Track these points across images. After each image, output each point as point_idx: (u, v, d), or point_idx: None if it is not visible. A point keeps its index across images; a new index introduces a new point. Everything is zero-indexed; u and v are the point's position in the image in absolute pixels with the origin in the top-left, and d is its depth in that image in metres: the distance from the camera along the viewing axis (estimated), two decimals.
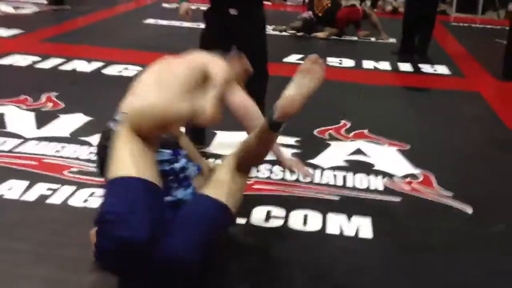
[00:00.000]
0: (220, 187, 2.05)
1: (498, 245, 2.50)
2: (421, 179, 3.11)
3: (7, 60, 5.06)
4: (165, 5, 8.99)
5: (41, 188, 2.72)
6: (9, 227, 2.39)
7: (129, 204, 1.75)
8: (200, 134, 3.32)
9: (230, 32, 3.19)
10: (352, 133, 3.74)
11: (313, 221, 2.59)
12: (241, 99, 2.48)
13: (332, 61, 5.82)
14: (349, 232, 2.52)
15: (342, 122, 3.92)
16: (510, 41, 5.46)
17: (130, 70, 4.93)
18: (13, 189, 2.70)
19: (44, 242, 2.28)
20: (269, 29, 6.74)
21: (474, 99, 4.76)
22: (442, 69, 5.74)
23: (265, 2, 3.64)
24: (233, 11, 3.19)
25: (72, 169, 2.95)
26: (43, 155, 3.10)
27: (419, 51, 6.27)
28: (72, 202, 2.62)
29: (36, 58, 5.13)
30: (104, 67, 5.00)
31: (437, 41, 7.34)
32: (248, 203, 2.69)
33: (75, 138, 3.37)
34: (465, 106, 4.58)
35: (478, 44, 7.24)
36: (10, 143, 3.23)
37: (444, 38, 7.66)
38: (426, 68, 5.78)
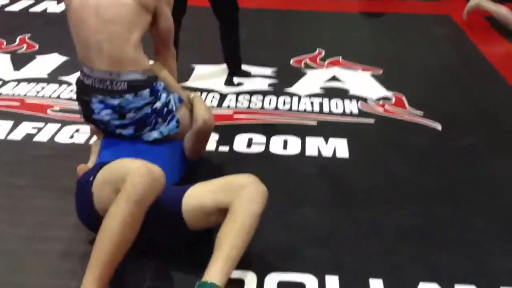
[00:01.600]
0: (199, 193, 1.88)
1: (466, 157, 2.67)
2: (393, 100, 3.24)
3: None
4: None
5: (26, 127, 2.79)
6: (2, 165, 2.48)
7: None
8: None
9: None
10: (327, 61, 3.83)
11: (292, 145, 2.72)
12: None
13: None
14: (327, 153, 2.66)
15: (317, 50, 4.00)
16: None
17: None
18: None
19: (39, 176, 2.38)
20: None
21: (445, 21, 4.85)
22: None
23: None
24: None
25: (55, 108, 3.00)
26: (24, 95, 3.14)
27: None
28: (59, 138, 2.70)
29: (5, 1, 5.02)
30: None
31: None
32: (230, 131, 2.81)
33: (54, 78, 3.40)
34: (436, 29, 4.67)
35: None
36: None
37: None
38: None
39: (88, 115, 2.20)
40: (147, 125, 2.19)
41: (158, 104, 2.18)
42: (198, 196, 1.83)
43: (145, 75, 2.15)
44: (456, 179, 2.49)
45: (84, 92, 2.17)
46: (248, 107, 3.12)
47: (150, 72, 2.20)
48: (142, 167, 1.70)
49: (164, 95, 2.22)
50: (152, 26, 2.26)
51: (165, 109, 2.22)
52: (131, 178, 1.66)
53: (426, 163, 2.62)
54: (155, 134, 2.21)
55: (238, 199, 1.74)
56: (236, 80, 3.47)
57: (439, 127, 2.94)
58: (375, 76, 3.59)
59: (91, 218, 1.86)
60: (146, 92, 2.14)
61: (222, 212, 1.76)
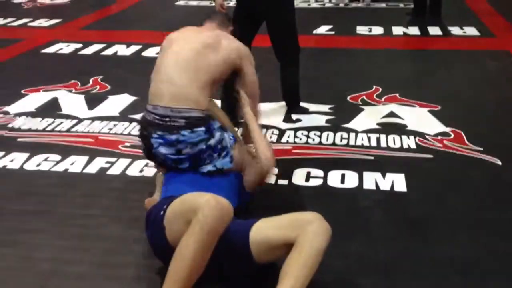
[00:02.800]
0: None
1: None
2: (452, 136, 3.26)
3: (52, 49, 5.35)
4: None
5: (100, 162, 3.00)
6: (79, 197, 2.68)
7: None
8: (232, 109, 3.30)
9: (257, 10, 3.38)
10: (384, 97, 3.90)
11: (350, 179, 2.79)
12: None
13: (362, 29, 5.93)
14: (385, 187, 2.71)
15: (374, 87, 4.08)
16: None
17: None
18: (75, 163, 2.99)
19: (111, 207, 2.57)
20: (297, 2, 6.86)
21: (504, 58, 4.82)
22: (471, 31, 5.78)
23: None
24: None
25: (126, 144, 3.22)
26: (98, 132, 3.39)
27: (433, 11, 6.34)
28: (129, 172, 2.89)
29: (79, 45, 5.41)
30: (142, 49, 5.25)
31: (465, 3, 7.32)
32: (289, 166, 2.92)
33: (124, 116, 3.64)
34: (493, 64, 4.65)
35: (508, 3, 7.18)
36: (66, 123, 3.52)
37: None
38: (455, 30, 5.83)
39: (148, 150, 2.37)
40: (201, 160, 2.33)
41: (212, 141, 2.32)
42: (265, 230, 1.93)
43: (203, 113, 2.32)
44: None
45: (145, 128, 2.36)
46: (306, 142, 3.22)
47: (208, 111, 2.36)
48: (211, 200, 1.82)
49: (218, 133, 2.36)
50: (238, 78, 2.55)
51: (219, 145, 2.37)
52: (202, 210, 1.79)
53: (484, 197, 2.62)
54: (209, 167, 2.35)
55: (304, 234, 1.83)
56: (294, 116, 3.59)
57: (498, 162, 2.94)
58: (433, 112, 3.62)
59: (165, 251, 1.97)
60: (202, 129, 2.30)
61: (288, 246, 1.86)
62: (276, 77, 3.63)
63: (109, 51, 5.23)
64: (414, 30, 5.89)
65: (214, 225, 1.79)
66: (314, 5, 7.34)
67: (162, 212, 2.00)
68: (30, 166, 2.97)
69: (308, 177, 2.82)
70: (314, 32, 5.86)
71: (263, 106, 3.74)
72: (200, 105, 2.32)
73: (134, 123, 3.51)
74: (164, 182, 2.37)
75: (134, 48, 5.29)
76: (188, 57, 2.38)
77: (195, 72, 2.35)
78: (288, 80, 3.60)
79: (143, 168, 2.91)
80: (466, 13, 6.66)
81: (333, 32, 5.88)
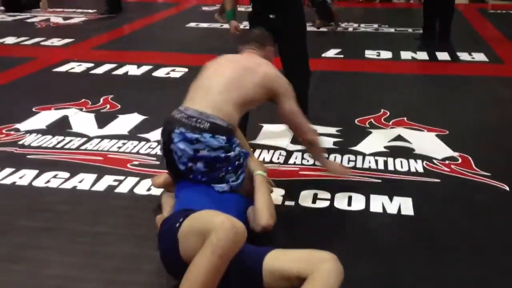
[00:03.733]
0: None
1: None
2: (459, 161, 3.26)
3: (64, 68, 5.43)
4: (204, 8, 9.29)
5: (108, 180, 3.02)
6: (87, 214, 2.70)
7: None
8: (244, 126, 3.39)
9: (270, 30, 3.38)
10: (392, 121, 3.91)
11: (357, 201, 2.79)
12: None
13: (370, 53, 5.98)
14: (392, 210, 2.71)
15: (382, 111, 4.09)
16: None
17: (177, 72, 5.23)
18: (84, 181, 3.01)
19: (119, 225, 2.58)
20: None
21: (511, 84, 4.84)
22: (480, 57, 5.81)
23: None
24: (272, 16, 3.45)
25: (134, 162, 3.24)
26: (107, 151, 3.42)
27: (441, 36, 6.38)
28: (138, 190, 2.91)
29: (90, 65, 5.48)
30: (153, 70, 5.31)
31: (474, 29, 7.38)
32: (296, 187, 2.92)
33: (134, 135, 3.67)
34: (503, 90, 4.67)
35: None
36: (76, 141, 3.56)
37: (482, 25, 7.68)
38: (464, 56, 5.86)
39: (166, 145, 2.41)
40: (216, 170, 2.36)
41: (231, 154, 2.37)
42: (281, 260, 1.95)
43: (228, 125, 2.40)
44: None
45: (169, 123, 2.43)
46: (313, 164, 3.23)
47: (233, 127, 2.45)
48: (226, 222, 1.84)
49: (238, 149, 2.43)
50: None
51: (237, 162, 2.40)
52: (216, 233, 1.81)
53: (492, 222, 2.61)
54: (225, 187, 2.37)
55: (319, 271, 1.85)
56: None
57: (506, 188, 2.93)
58: (441, 137, 3.63)
59: (176, 264, 1.99)
60: (223, 138, 2.37)
61: (300, 279, 1.88)
62: None
63: (120, 71, 5.30)
64: (422, 55, 5.93)
65: (226, 249, 1.80)
66: (323, 29, 7.40)
67: (177, 225, 2.01)
68: (39, 183, 3.00)
69: (315, 198, 2.82)
70: (323, 55, 5.92)
71: (270, 128, 3.79)
72: (229, 119, 2.42)
73: (143, 142, 3.55)
74: (177, 193, 2.39)
75: (144, 69, 5.35)
76: (230, 75, 2.52)
77: (233, 90, 2.47)
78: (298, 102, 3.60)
79: (151, 187, 2.92)
80: (475, 39, 6.71)
81: (342, 56, 5.93)
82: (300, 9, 3.62)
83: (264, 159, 3.30)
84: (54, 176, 3.06)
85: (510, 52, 6.08)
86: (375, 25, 7.59)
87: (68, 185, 2.97)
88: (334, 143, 3.54)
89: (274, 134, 3.70)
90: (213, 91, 2.46)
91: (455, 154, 3.35)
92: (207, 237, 1.82)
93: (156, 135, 3.64)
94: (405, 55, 5.94)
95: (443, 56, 5.87)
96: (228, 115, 2.42)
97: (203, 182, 2.37)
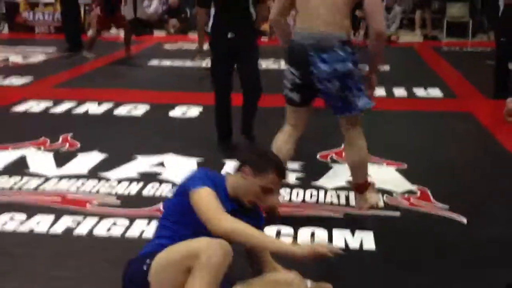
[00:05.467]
0: None
1: (490, 252, 2.69)
2: (418, 194, 3.33)
3: (22, 107, 5.33)
4: (166, 46, 9.34)
5: (67, 221, 2.95)
6: (45, 257, 2.61)
7: None
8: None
9: (230, 52, 3.93)
10: None
11: (319, 237, 2.79)
12: None
13: None
14: (354, 245, 2.73)
15: (343, 145, 4.15)
16: (497, 61, 5.75)
17: (138, 109, 5.20)
18: (41, 223, 2.93)
19: (79, 268, 2.50)
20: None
21: (466, 118, 5.01)
22: (435, 92, 6.01)
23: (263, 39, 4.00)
24: (230, 35, 3.88)
25: (94, 202, 3.18)
26: (65, 191, 3.34)
27: None
28: (97, 231, 2.85)
29: (49, 103, 5.40)
30: (114, 107, 5.27)
31: (429, 65, 7.64)
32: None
33: (93, 174, 3.61)
34: (457, 124, 4.83)
35: (469, 66, 7.52)
36: (33, 182, 3.47)
37: (436, 62, 7.97)
38: (419, 92, 6.05)
39: (306, 70, 2.80)
40: (348, 89, 2.81)
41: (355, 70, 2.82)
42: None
43: (347, 36, 2.80)
44: (477, 274, 2.51)
45: (301, 51, 2.79)
46: (289, 200, 3.23)
47: (350, 33, 2.85)
48: (213, 242, 1.84)
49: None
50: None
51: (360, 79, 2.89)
52: (206, 253, 1.80)
53: (451, 255, 2.65)
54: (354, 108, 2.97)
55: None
56: None
57: (464, 220, 3.00)
58: (400, 170, 3.70)
59: None
60: (348, 47, 2.78)
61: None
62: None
63: (80, 109, 5.24)
64: (380, 91, 6.06)
65: (220, 268, 1.81)
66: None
67: (145, 267, 1.96)
68: None
69: (278, 235, 2.82)
70: None
71: (232, 164, 3.77)
72: (345, 29, 2.79)
73: (103, 181, 3.49)
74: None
75: (105, 106, 5.31)
76: None
77: (336, 5, 2.77)
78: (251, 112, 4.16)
79: (111, 227, 2.87)
80: (430, 75, 6.94)
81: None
82: (254, 31, 4.09)
83: None
84: (10, 218, 2.97)
85: (463, 87, 6.31)
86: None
87: (25, 227, 2.89)
88: (297, 178, 3.56)
89: None
90: (324, 13, 2.75)
91: (414, 187, 3.42)
92: (195, 263, 1.80)
93: (116, 173, 3.61)
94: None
95: (399, 92, 6.04)
96: (344, 27, 2.77)
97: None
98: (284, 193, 3.32)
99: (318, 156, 3.97)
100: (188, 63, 7.35)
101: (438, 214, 3.07)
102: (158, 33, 10.61)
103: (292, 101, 2.99)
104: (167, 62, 7.82)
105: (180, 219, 2.06)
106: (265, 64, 6.86)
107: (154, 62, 7.82)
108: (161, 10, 11.05)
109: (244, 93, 4.11)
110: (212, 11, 3.97)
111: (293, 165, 3.76)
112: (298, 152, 3.99)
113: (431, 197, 3.28)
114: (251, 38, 4.04)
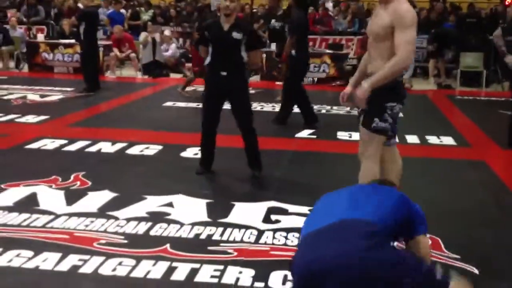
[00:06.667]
0: None
1: None
2: (430, 243, 3.25)
3: (36, 144, 5.39)
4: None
5: (73, 259, 2.93)
6: None
7: None
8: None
9: (221, 88, 4.29)
10: None
11: None
12: None
13: (342, 135, 6.11)
14: None
15: None
16: None
17: (151, 149, 5.24)
18: (47, 260, 2.92)
19: None
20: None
21: (480, 167, 4.96)
22: (448, 140, 5.98)
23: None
24: (223, 73, 4.24)
25: (101, 241, 3.17)
26: (73, 229, 3.34)
27: None
28: (102, 271, 2.82)
29: (64, 141, 5.47)
30: (127, 147, 5.32)
31: (443, 114, 7.64)
32: (266, 268, 2.88)
33: (102, 213, 3.61)
34: (470, 173, 4.78)
35: (483, 115, 7.51)
36: (43, 219, 3.48)
37: (450, 111, 7.96)
38: (432, 139, 6.02)
39: None
40: None
41: None
42: None
43: None
44: None
45: None
46: (285, 244, 3.20)
47: None
48: None
49: None
50: None
51: None
52: None
53: None
54: None
55: None
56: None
57: (476, 271, 2.93)
58: None
59: None
60: None
61: None
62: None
63: (93, 148, 5.29)
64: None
65: None
66: (296, 110, 7.57)
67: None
68: (1, 261, 2.89)
69: (285, 280, 2.77)
70: (296, 135, 6.03)
71: (242, 206, 3.77)
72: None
73: (112, 220, 3.48)
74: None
75: (118, 146, 5.36)
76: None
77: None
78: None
79: (116, 266, 2.84)
80: (443, 123, 6.93)
81: (315, 136, 6.04)
82: (245, 72, 4.44)
83: (234, 238, 3.26)
84: (17, 255, 2.97)
85: (476, 136, 6.27)
86: (347, 108, 7.80)
87: (31, 264, 2.88)
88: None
89: (246, 212, 3.68)
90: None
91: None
92: None
93: (125, 212, 3.61)
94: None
95: (412, 139, 6.02)
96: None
97: None
98: (293, 237, 3.29)
99: None
100: (199, 104, 7.41)
101: (449, 263, 3.01)
102: (175, 76, 10.79)
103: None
104: (181, 104, 7.92)
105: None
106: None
107: (169, 103, 7.93)
108: (179, 54, 11.27)
109: (241, 133, 4.48)
110: (210, 49, 4.35)
111: (303, 209, 3.73)
112: (308, 197, 4.00)
113: (443, 246, 3.21)
114: (242, 79, 4.42)
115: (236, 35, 4.28)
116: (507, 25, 9.97)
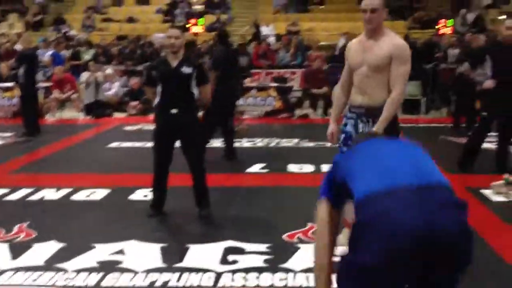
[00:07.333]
0: None
1: None
2: None
3: None
4: (127, 127, 9.29)
5: None
6: None
7: None
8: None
9: (172, 127, 4.27)
10: None
11: None
12: None
13: (293, 167, 6.11)
14: None
15: (309, 225, 4.10)
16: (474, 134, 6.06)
17: (97, 194, 5.05)
18: None
19: None
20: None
21: None
22: None
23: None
24: (174, 111, 4.21)
25: None
26: (20, 285, 3.14)
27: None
28: None
29: (5, 191, 5.19)
30: (72, 193, 5.10)
31: None
32: None
33: (50, 265, 3.42)
34: None
35: (424, 141, 7.69)
36: None
37: None
38: None
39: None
40: None
41: None
42: None
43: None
44: None
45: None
46: (244, 286, 3.12)
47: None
48: None
49: None
50: None
51: None
52: None
53: None
54: None
55: None
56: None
57: None
58: None
59: None
60: None
61: None
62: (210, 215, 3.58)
63: (36, 196, 5.05)
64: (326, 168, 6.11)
65: None
66: (246, 144, 7.57)
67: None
68: None
69: None
70: (247, 170, 5.98)
71: (198, 248, 3.67)
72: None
73: (60, 273, 3.30)
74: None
75: (63, 192, 5.13)
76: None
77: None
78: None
79: None
80: None
81: (266, 170, 6.02)
82: (196, 108, 4.45)
83: (192, 284, 3.15)
84: None
85: None
86: (296, 140, 7.86)
87: None
88: (265, 261, 3.46)
89: (202, 255, 3.58)
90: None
91: None
92: None
93: (74, 264, 3.43)
94: (327, 168, 6.11)
95: None
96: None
97: None
98: (252, 277, 3.21)
99: (284, 237, 3.89)
100: (149, 144, 7.29)
101: None
102: (118, 115, 10.60)
103: None
104: (127, 144, 7.74)
105: None
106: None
107: (114, 144, 7.73)
108: (122, 92, 11.10)
109: (190, 170, 4.40)
110: (159, 88, 4.29)
111: (260, 247, 3.67)
112: (264, 233, 3.94)
113: None
114: (193, 115, 4.39)
115: (186, 69, 4.26)
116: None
